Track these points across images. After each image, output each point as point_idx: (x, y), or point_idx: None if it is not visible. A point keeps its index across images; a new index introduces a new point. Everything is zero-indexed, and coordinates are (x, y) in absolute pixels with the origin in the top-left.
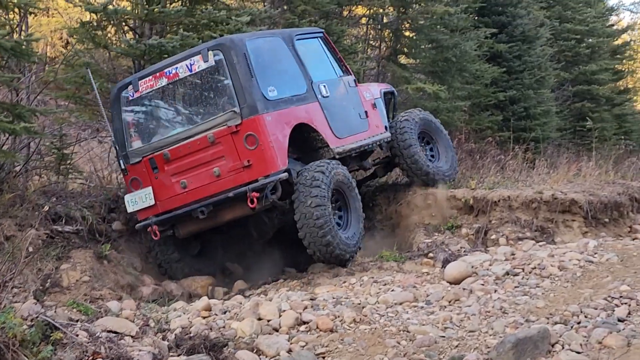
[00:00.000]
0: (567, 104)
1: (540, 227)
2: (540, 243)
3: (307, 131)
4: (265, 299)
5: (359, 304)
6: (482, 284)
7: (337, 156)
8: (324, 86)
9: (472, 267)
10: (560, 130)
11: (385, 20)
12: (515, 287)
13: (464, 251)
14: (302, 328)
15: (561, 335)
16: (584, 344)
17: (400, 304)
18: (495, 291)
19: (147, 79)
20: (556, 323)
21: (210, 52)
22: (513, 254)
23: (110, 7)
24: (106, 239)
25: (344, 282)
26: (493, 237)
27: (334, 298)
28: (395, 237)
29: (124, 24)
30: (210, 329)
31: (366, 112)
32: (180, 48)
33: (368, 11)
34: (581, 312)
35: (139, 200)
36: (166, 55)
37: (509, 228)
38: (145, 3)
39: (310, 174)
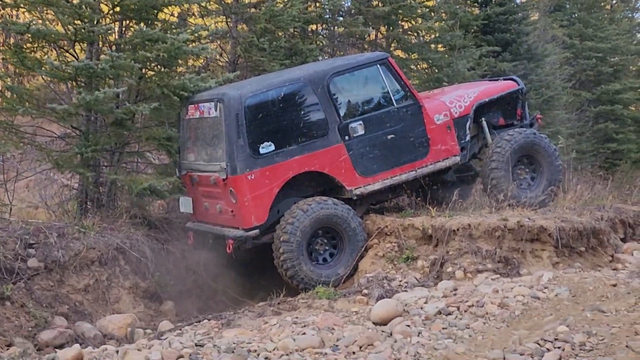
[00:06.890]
0: (590, 126)
1: (504, 257)
2: (494, 276)
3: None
4: (146, 345)
5: (255, 351)
6: (408, 325)
7: (354, 197)
8: (359, 124)
9: (405, 305)
10: (581, 152)
11: (371, 38)
12: (443, 328)
13: (406, 286)
14: None
15: None
16: None
17: (302, 350)
18: (419, 334)
19: (192, 106)
20: None
21: (218, 104)
22: (455, 290)
23: (34, 26)
24: (17, 278)
25: (266, 322)
26: (449, 269)
27: (234, 344)
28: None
29: (53, 44)
30: None
31: (429, 138)
32: (111, 70)
33: (345, 30)
34: (504, 358)
35: (186, 204)
36: (98, 79)
37: (468, 259)
38: (74, 22)
39: (286, 217)
